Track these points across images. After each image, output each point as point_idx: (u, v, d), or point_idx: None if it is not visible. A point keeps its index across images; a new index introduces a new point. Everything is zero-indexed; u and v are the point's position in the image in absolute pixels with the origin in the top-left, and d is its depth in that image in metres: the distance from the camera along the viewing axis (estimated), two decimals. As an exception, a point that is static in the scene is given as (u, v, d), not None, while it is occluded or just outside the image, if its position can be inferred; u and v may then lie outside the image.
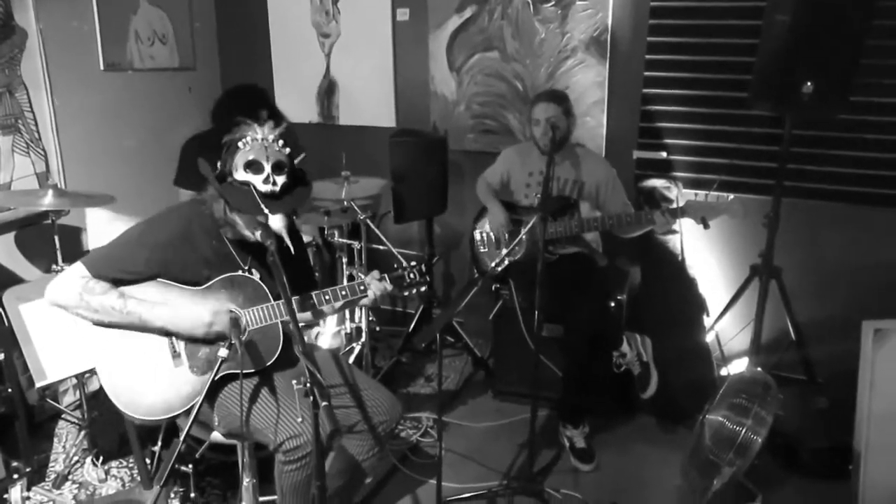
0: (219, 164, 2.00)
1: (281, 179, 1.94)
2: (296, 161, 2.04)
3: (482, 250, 3.21)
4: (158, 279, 1.96)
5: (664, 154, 3.45)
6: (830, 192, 3.19)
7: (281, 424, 1.93)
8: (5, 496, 2.55)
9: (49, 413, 3.08)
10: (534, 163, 3.09)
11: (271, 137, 1.98)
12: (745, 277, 3.09)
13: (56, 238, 2.78)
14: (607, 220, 2.87)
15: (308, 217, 3.29)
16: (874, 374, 2.48)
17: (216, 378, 1.87)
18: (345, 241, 3.43)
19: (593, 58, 3.45)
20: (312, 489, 1.70)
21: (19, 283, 2.70)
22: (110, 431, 2.88)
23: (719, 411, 2.50)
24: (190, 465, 2.41)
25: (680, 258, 3.43)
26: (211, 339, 1.96)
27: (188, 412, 1.90)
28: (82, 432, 2.80)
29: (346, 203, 3.17)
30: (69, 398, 3.14)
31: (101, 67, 3.46)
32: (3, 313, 2.52)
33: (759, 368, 2.83)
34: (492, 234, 3.16)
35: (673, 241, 3.42)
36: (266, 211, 1.88)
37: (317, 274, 3.36)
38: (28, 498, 2.60)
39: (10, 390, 2.61)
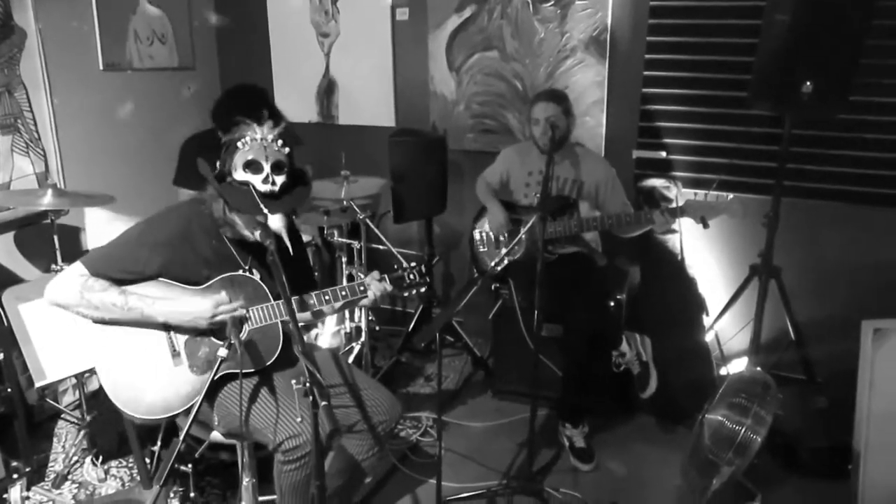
0: (218, 163, 2.00)
1: (280, 179, 1.94)
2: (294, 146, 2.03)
3: (482, 250, 3.21)
4: (160, 279, 1.96)
5: (664, 153, 3.45)
6: (830, 191, 3.19)
7: (280, 424, 1.92)
8: (5, 496, 2.55)
9: (48, 413, 3.08)
10: (533, 162, 3.09)
11: (270, 137, 1.97)
12: (744, 277, 3.09)
13: (55, 238, 2.78)
14: (607, 219, 2.87)
15: (307, 217, 3.29)
16: (874, 374, 2.48)
17: (216, 377, 1.87)
18: (344, 240, 3.43)
19: (593, 57, 3.45)
20: (312, 489, 1.70)
21: (18, 283, 2.71)
22: (110, 431, 2.88)
23: (719, 411, 2.50)
24: (189, 465, 2.41)
25: (679, 258, 3.44)
26: (213, 331, 1.95)
27: (188, 412, 1.90)
28: (82, 432, 2.80)
29: (345, 203, 3.17)
30: (69, 398, 3.14)
31: (101, 67, 3.46)
32: (2, 313, 2.52)
33: (758, 368, 2.83)
34: (491, 233, 3.16)
35: (672, 241, 3.42)
36: (265, 211, 1.88)
37: (316, 274, 3.36)
38: (27, 498, 2.60)
39: (9, 390, 2.61)
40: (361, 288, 2.08)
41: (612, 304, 3.14)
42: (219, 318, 1.90)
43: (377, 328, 3.70)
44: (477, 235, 3.22)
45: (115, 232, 2.02)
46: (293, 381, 1.65)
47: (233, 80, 4.14)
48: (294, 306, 1.83)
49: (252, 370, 1.99)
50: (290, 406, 1.95)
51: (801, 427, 2.80)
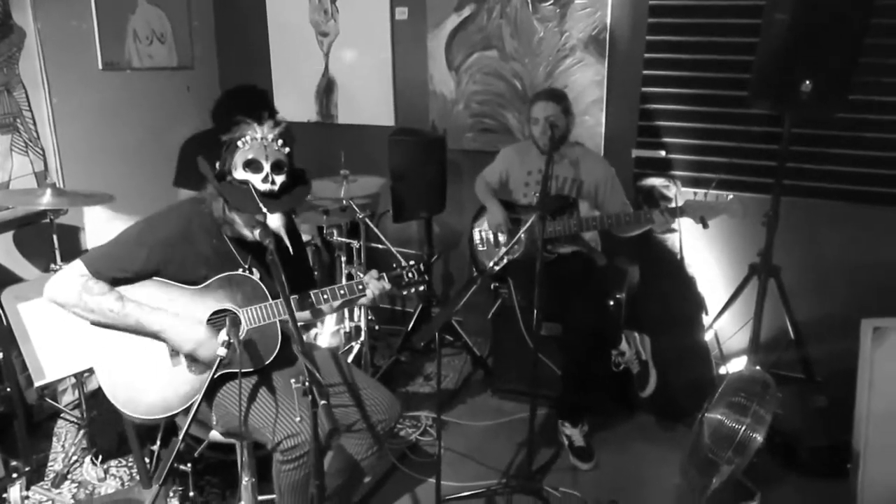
0: (218, 162, 2.00)
1: (280, 179, 1.94)
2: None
3: (481, 249, 3.21)
4: (157, 278, 1.96)
5: (663, 153, 3.44)
6: (829, 190, 3.19)
7: (279, 423, 1.92)
8: (4, 495, 2.55)
9: (48, 412, 3.08)
10: (533, 162, 3.09)
11: (270, 137, 1.97)
12: (743, 276, 3.09)
13: (54, 237, 2.78)
14: (606, 219, 2.87)
15: (307, 216, 3.29)
16: (873, 373, 2.48)
17: (214, 377, 1.86)
18: (344, 240, 3.43)
19: (592, 56, 3.45)
20: (311, 488, 1.70)
21: (18, 283, 2.71)
22: (109, 430, 2.88)
23: (718, 410, 2.50)
24: (189, 464, 2.41)
25: (679, 257, 3.44)
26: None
27: (187, 411, 1.90)
28: (81, 431, 2.80)
29: (344, 202, 3.17)
30: (68, 397, 3.14)
31: (100, 66, 3.46)
32: (1, 312, 2.52)
33: (757, 367, 2.83)
34: (490, 233, 3.16)
35: (672, 240, 3.43)
36: (264, 210, 1.88)
37: (316, 273, 3.35)
38: (27, 497, 2.60)
39: (8, 389, 2.62)
40: (360, 286, 2.08)
41: (611, 303, 3.14)
42: (200, 353, 1.91)
43: (377, 327, 3.70)
44: (476, 235, 3.22)
45: (114, 231, 2.02)
46: (292, 381, 1.65)
47: (232, 79, 4.15)
48: (293, 305, 1.83)
49: (251, 369, 1.98)
50: (289, 405, 1.95)
51: (801, 426, 2.80)
